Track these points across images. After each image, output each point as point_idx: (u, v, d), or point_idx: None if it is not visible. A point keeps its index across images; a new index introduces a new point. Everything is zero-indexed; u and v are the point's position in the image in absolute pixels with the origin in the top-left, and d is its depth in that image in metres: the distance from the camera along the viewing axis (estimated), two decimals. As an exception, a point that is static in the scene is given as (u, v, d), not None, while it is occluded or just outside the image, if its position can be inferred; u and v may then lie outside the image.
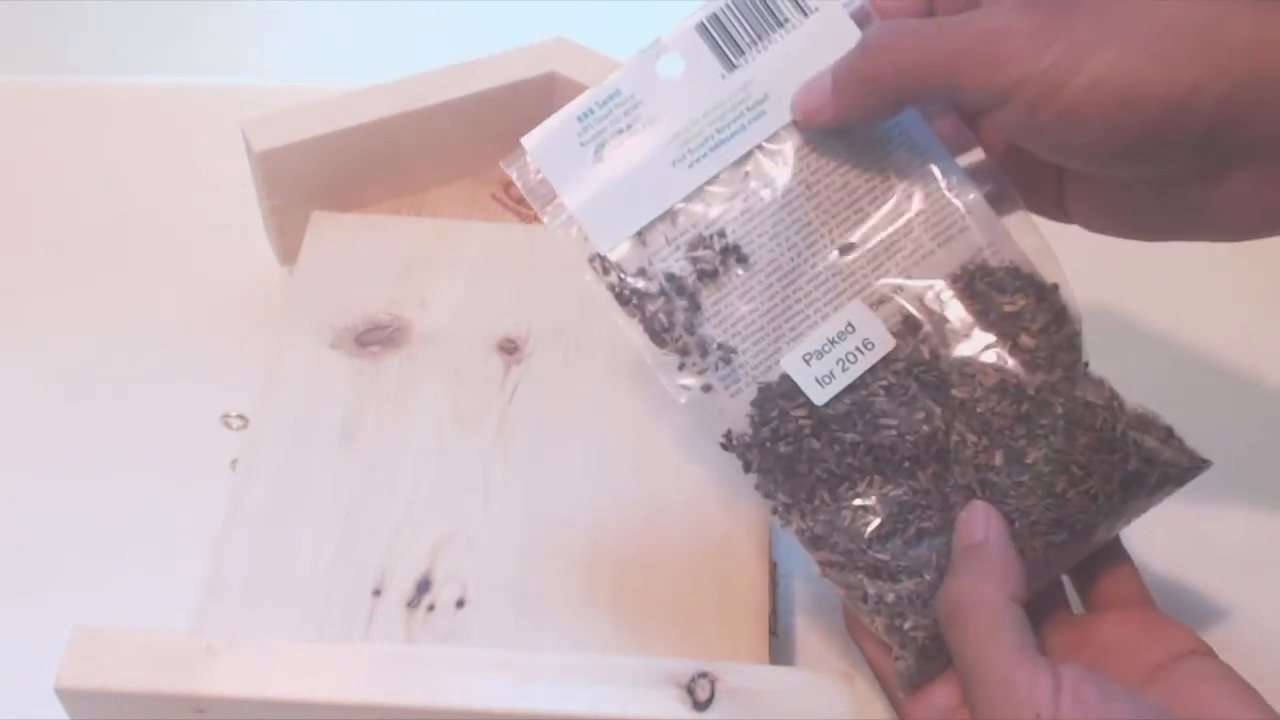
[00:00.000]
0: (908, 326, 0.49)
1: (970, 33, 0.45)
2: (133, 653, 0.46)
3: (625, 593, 0.51)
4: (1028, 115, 0.44)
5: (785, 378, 0.48)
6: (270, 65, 0.82)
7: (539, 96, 0.66)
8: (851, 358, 0.48)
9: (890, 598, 0.46)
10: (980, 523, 0.46)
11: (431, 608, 0.50)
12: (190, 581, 0.50)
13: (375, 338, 0.58)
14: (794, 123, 0.49)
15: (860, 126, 0.49)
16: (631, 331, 0.49)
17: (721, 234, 0.49)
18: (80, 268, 0.68)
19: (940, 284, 0.49)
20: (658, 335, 0.48)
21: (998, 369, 0.48)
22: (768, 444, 0.48)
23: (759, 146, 0.49)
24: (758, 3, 0.49)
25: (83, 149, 0.73)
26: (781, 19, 0.49)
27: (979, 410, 0.48)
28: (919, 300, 0.49)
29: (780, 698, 0.45)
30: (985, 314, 0.49)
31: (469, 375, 0.57)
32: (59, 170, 0.72)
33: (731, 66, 0.49)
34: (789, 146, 0.49)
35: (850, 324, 0.48)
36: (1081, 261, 0.51)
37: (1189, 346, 0.67)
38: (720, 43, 0.49)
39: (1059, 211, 0.50)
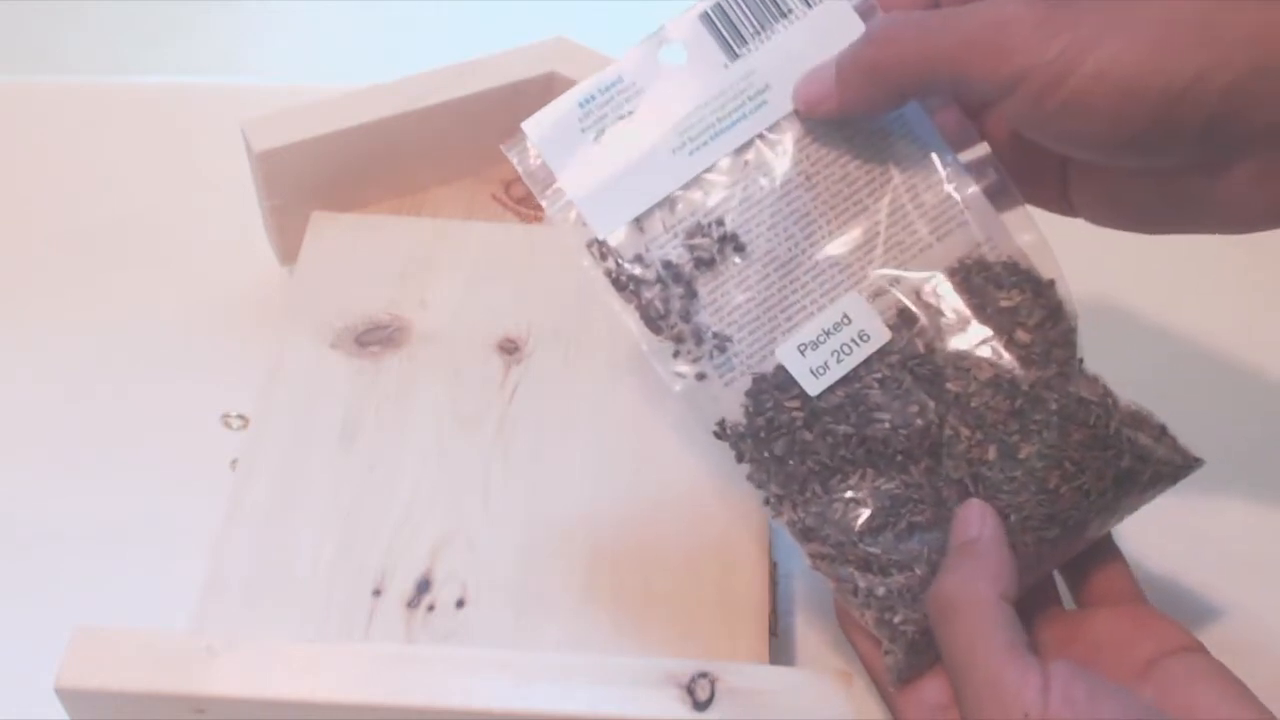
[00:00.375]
0: (903, 319, 0.49)
1: (976, 24, 0.45)
2: (133, 653, 0.46)
3: (625, 593, 0.51)
4: (1034, 105, 0.44)
5: (780, 368, 0.48)
6: (270, 65, 0.82)
7: (539, 96, 0.66)
8: (846, 349, 0.48)
9: (880, 591, 0.46)
10: (975, 520, 0.46)
11: (431, 608, 0.50)
12: (190, 581, 0.50)
13: (375, 338, 0.58)
14: (795, 113, 0.49)
15: (861, 118, 0.49)
16: (627, 317, 0.49)
17: (720, 222, 0.49)
18: (80, 268, 0.68)
19: (937, 277, 0.49)
20: (653, 322, 0.48)
21: (992, 364, 0.48)
22: (761, 434, 0.48)
23: (760, 136, 0.49)
24: None
25: (83, 149, 0.73)
26: (785, 9, 0.49)
27: (973, 404, 0.48)
28: (915, 293, 0.49)
29: (780, 698, 0.45)
30: (981, 308, 0.49)
31: (469, 375, 0.57)
32: (59, 170, 0.72)
33: (734, 56, 0.49)
34: (789, 137, 0.49)
35: (846, 315, 0.48)
36: (1078, 257, 0.51)
37: (1185, 342, 0.67)
38: (723, 32, 0.49)
39: (1063, 204, 0.51)
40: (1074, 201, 0.50)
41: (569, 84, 0.65)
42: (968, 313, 0.49)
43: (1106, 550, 0.50)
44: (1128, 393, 0.49)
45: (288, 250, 0.65)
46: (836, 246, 0.49)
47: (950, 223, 0.50)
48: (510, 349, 0.58)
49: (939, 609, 0.45)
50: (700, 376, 0.49)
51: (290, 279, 0.62)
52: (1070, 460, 0.47)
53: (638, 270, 0.49)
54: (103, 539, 0.57)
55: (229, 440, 0.60)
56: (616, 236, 0.49)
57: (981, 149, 0.50)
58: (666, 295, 0.49)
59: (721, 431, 0.49)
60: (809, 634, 0.55)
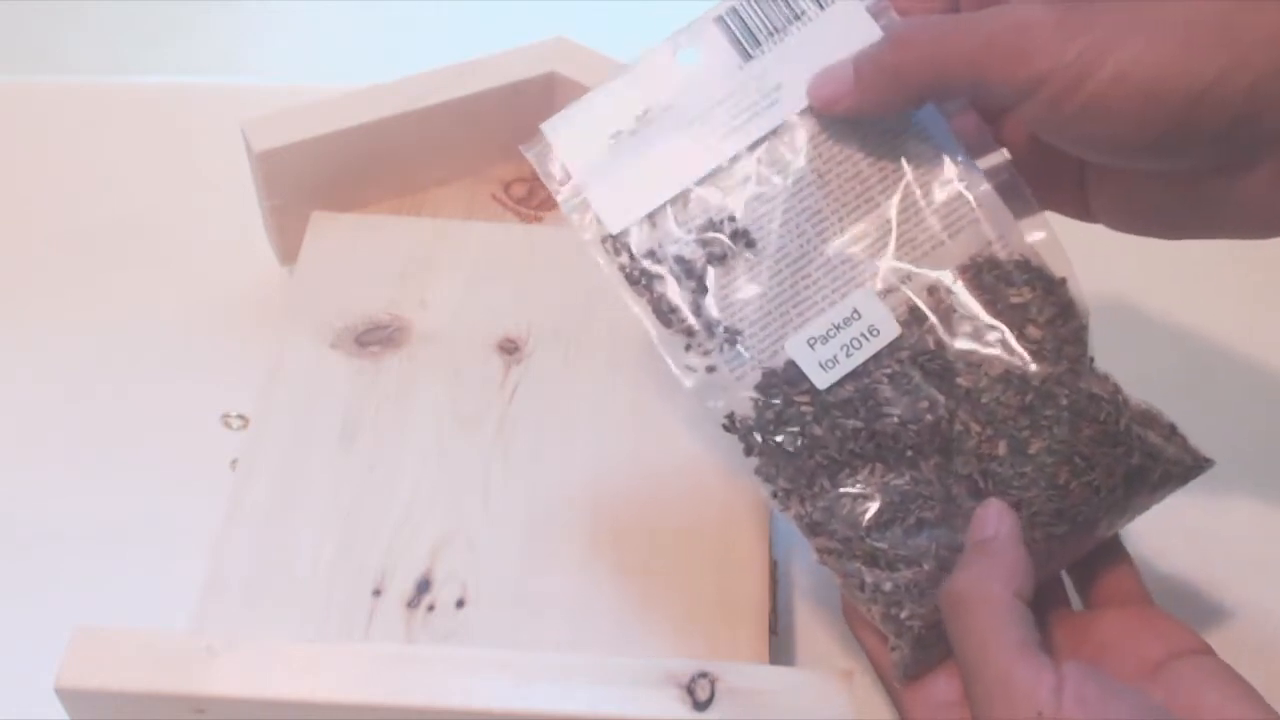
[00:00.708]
0: (914, 316, 0.49)
1: (995, 27, 0.45)
2: (133, 653, 0.46)
3: (625, 592, 0.51)
4: (1052, 108, 0.44)
5: (790, 363, 0.48)
6: (270, 65, 0.82)
7: (539, 96, 0.66)
8: (856, 344, 0.48)
9: (888, 586, 0.46)
10: (993, 519, 0.46)
11: (431, 608, 0.50)
12: (190, 581, 0.50)
13: (375, 338, 0.58)
14: (809, 110, 0.49)
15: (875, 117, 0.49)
16: (640, 311, 0.49)
17: (732, 219, 0.49)
18: (80, 268, 0.68)
19: (948, 275, 0.49)
20: (665, 316, 0.49)
21: (1003, 359, 0.48)
22: (770, 428, 0.48)
23: (772, 133, 0.50)
24: None
25: (83, 149, 0.73)
26: (798, 12, 0.50)
27: (983, 400, 0.48)
28: (926, 290, 0.49)
29: (780, 698, 0.45)
30: (993, 304, 0.49)
31: (469, 375, 0.57)
32: (59, 170, 0.72)
33: (748, 57, 0.50)
34: (802, 134, 0.50)
35: (856, 310, 0.48)
36: (1088, 257, 0.51)
37: (1195, 342, 0.67)
38: (738, 34, 0.50)
39: (1081, 210, 0.51)
40: (1092, 207, 0.50)
41: (569, 84, 0.65)
42: (979, 309, 0.49)
43: (1114, 552, 0.50)
44: (1137, 392, 0.49)
45: (288, 250, 0.65)
46: (848, 243, 0.49)
47: (962, 220, 0.50)
48: (510, 349, 0.58)
49: (952, 606, 0.44)
50: (710, 369, 0.49)
51: (290, 279, 0.62)
52: (1080, 456, 0.47)
53: (650, 266, 0.49)
54: (103, 539, 0.57)
55: (229, 440, 0.60)
56: (630, 233, 0.49)
57: (996, 151, 0.50)
58: (678, 290, 0.49)
59: (731, 425, 0.49)
60: (809, 634, 0.55)
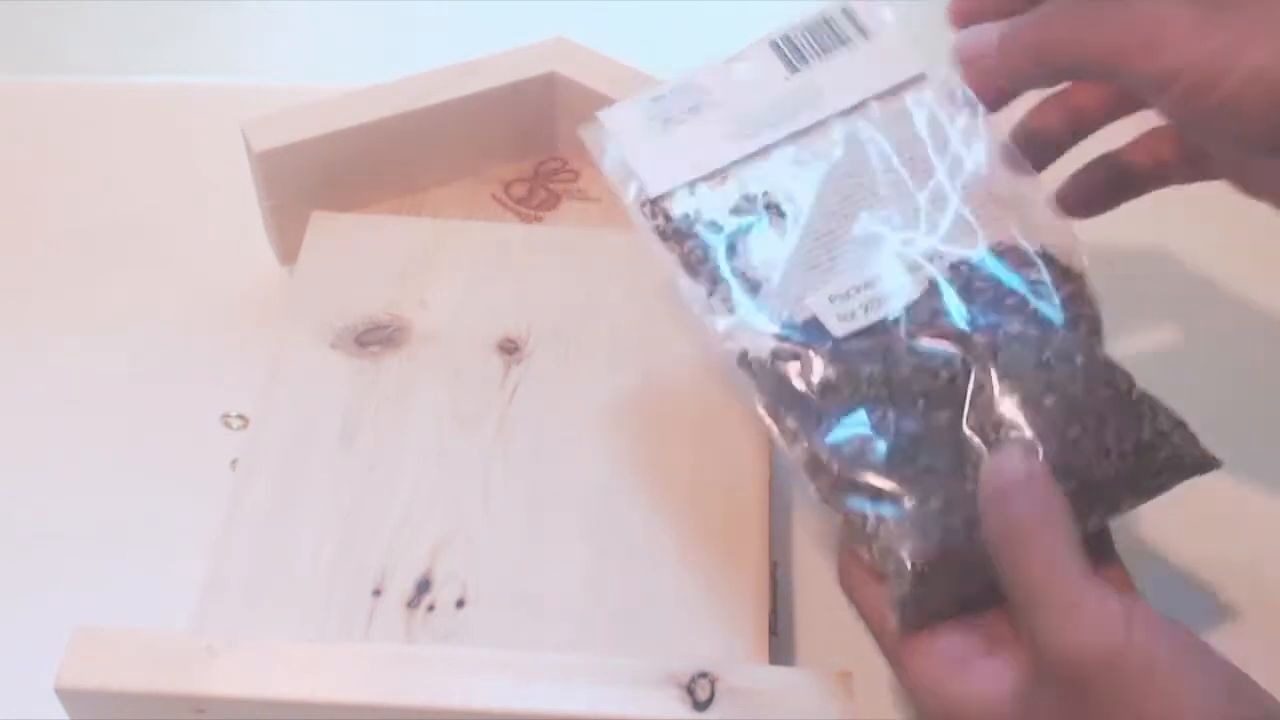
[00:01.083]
0: (934, 286, 0.50)
1: (1134, 17, 0.45)
2: (133, 653, 0.46)
3: (625, 593, 0.51)
4: (1184, 104, 0.44)
5: (811, 319, 0.49)
6: (270, 65, 0.82)
7: (539, 96, 0.66)
8: (875, 304, 0.49)
9: (891, 521, 0.46)
10: (1020, 455, 0.45)
11: (431, 608, 0.50)
12: (190, 581, 0.50)
13: (375, 338, 0.58)
14: (849, 110, 0.52)
15: (915, 109, 0.52)
16: (669, 262, 0.51)
17: (766, 194, 0.51)
18: (80, 268, 0.68)
19: (973, 254, 0.50)
20: (692, 268, 0.51)
21: (1020, 321, 0.49)
22: (782, 367, 0.48)
23: (813, 126, 0.52)
24: (825, 25, 0.54)
25: (83, 149, 0.73)
26: (844, 38, 0.54)
27: (999, 357, 0.48)
28: (949, 266, 0.50)
29: (780, 698, 0.45)
30: (1013, 280, 0.50)
31: (469, 375, 0.57)
32: (59, 170, 0.72)
33: (794, 70, 0.53)
34: (840, 129, 0.52)
35: (879, 275, 0.50)
36: (1103, 260, 0.51)
37: (1208, 344, 0.67)
38: (787, 54, 0.54)
39: (1242, 184, 0.51)
40: (1249, 183, 0.51)
41: (569, 84, 0.65)
42: (999, 278, 0.50)
43: (1104, 553, 0.50)
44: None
45: (288, 250, 0.65)
46: (875, 222, 0.51)
47: (990, 218, 0.51)
48: (510, 349, 0.58)
49: (1006, 535, 0.43)
50: (731, 311, 0.50)
51: (290, 279, 0.62)
52: (1093, 414, 0.47)
53: (684, 226, 0.51)
54: (103, 539, 0.57)
55: (229, 440, 0.60)
56: (669, 197, 0.52)
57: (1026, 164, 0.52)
58: (708, 246, 0.51)
59: (744, 360, 0.49)
60: (809, 634, 0.55)
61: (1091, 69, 0.47)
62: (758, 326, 0.49)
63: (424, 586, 0.50)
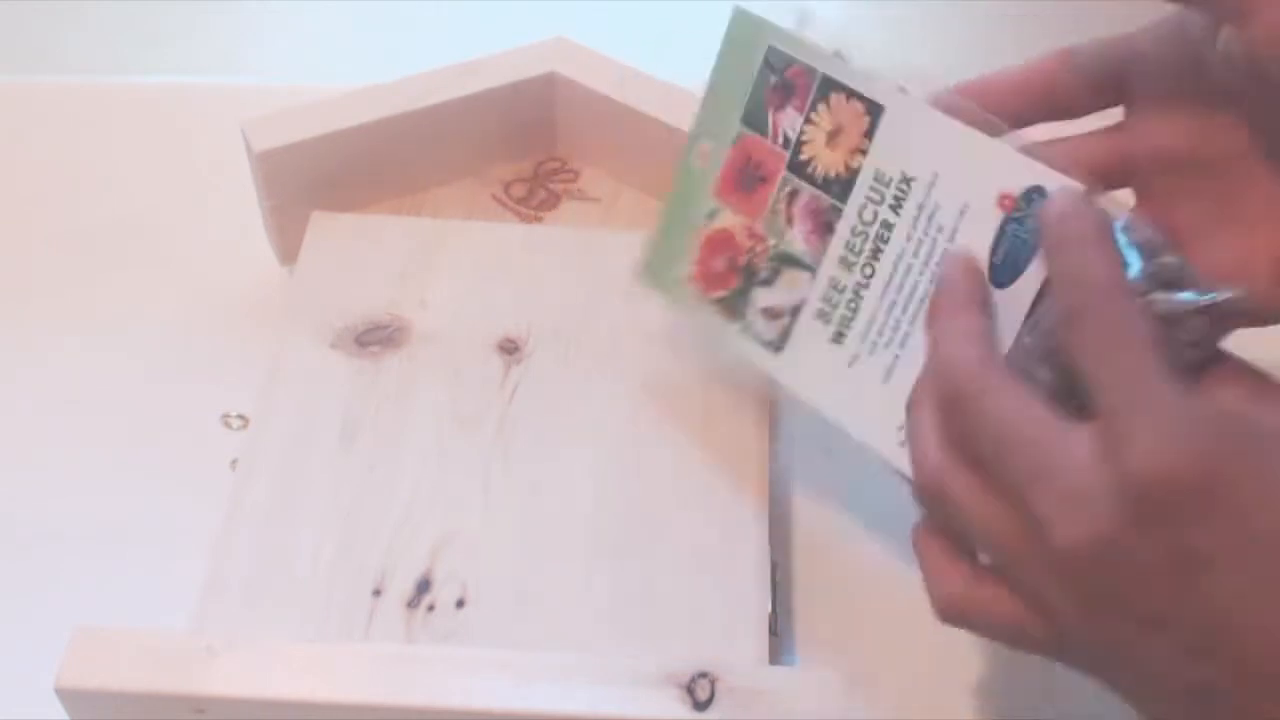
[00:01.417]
0: None
1: None
2: (133, 653, 0.46)
3: (625, 593, 0.51)
4: (1251, 48, 0.43)
5: None
6: (270, 65, 0.82)
7: (539, 96, 0.66)
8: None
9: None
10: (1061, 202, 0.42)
11: (431, 608, 0.50)
12: (190, 581, 0.50)
13: (375, 338, 0.58)
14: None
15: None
16: None
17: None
18: (80, 268, 0.68)
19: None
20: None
21: None
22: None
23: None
24: None
25: (83, 149, 0.73)
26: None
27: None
28: None
29: (780, 698, 0.45)
30: None
31: (469, 375, 0.57)
32: (59, 170, 0.72)
33: None
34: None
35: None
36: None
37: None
38: None
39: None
40: None
41: (569, 84, 0.65)
42: None
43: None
44: None
45: (288, 250, 0.65)
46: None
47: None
48: (510, 349, 0.58)
49: (1099, 331, 0.39)
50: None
51: (290, 279, 0.62)
52: None
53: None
54: (103, 539, 0.57)
55: (229, 440, 0.60)
56: None
57: None
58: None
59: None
60: (809, 634, 0.55)
61: None
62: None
63: (424, 586, 0.50)
